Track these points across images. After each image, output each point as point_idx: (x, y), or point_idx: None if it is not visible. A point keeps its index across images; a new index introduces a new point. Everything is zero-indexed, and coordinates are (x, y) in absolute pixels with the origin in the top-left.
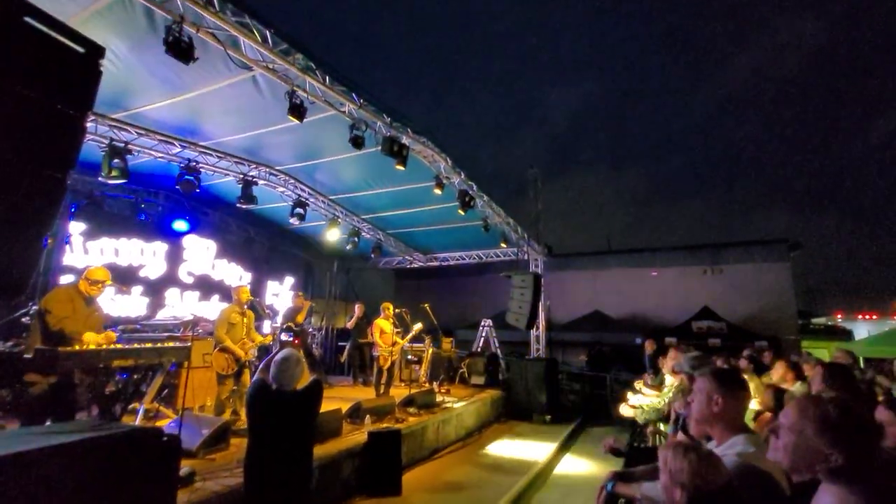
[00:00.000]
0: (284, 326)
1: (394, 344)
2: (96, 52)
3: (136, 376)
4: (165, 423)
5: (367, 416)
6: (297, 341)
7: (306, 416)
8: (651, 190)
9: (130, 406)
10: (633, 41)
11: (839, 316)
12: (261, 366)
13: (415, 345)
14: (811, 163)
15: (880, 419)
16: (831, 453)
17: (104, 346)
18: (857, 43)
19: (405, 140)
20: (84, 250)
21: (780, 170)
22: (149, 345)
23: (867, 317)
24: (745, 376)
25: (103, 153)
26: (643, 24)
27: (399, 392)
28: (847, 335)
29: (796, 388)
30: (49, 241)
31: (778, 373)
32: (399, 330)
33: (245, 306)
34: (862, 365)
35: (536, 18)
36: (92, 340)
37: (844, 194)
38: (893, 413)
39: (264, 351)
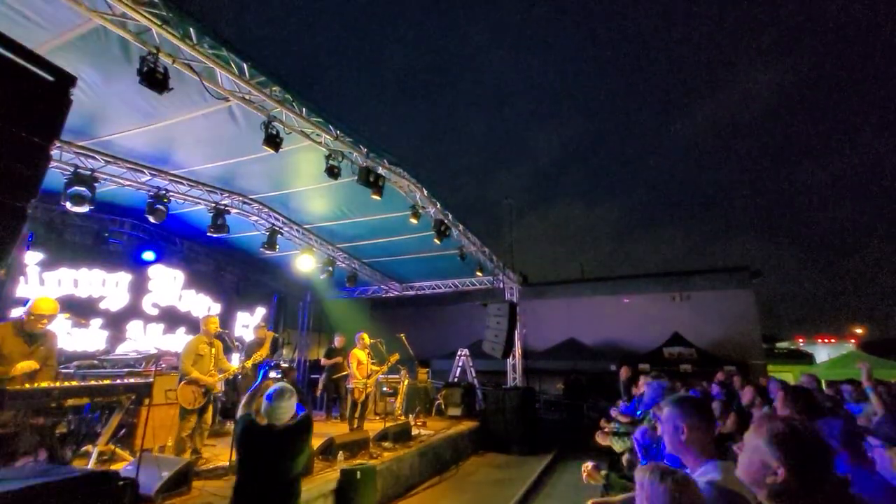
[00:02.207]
0: (273, 363)
1: (369, 375)
2: (67, 80)
3: (89, 416)
4: (122, 467)
5: (340, 452)
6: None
7: (298, 451)
8: (623, 221)
9: (83, 448)
10: (608, 87)
11: (801, 340)
12: (244, 400)
13: (390, 376)
14: (771, 196)
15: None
16: (777, 467)
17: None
18: (814, 88)
19: (381, 170)
20: (40, 281)
21: (744, 202)
22: (106, 381)
23: (826, 340)
24: None
25: (66, 180)
26: (619, 71)
27: (374, 426)
28: (809, 358)
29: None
30: (1, 271)
31: (747, 397)
32: (375, 360)
33: (213, 337)
34: (824, 387)
35: (519, 66)
36: (25, 368)
37: (801, 226)
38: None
39: (231, 385)
